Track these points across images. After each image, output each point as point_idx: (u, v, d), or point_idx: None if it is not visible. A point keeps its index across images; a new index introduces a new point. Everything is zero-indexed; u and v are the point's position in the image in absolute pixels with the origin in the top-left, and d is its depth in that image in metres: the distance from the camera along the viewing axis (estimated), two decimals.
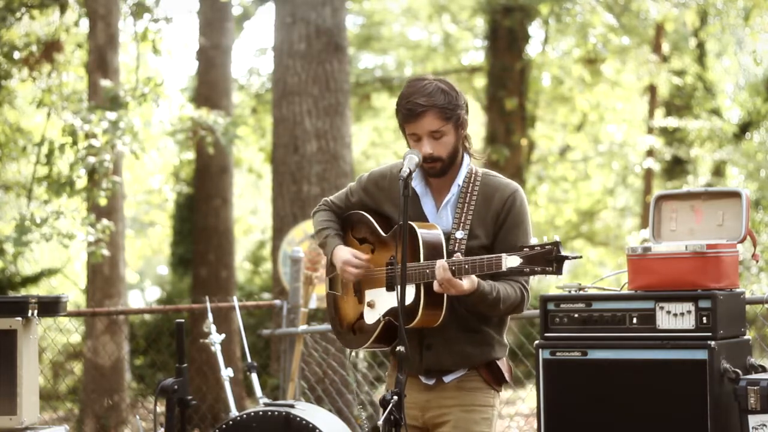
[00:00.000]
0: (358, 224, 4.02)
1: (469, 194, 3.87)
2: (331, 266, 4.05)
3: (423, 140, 3.81)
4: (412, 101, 3.81)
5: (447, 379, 3.89)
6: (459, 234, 3.81)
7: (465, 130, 3.89)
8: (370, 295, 3.91)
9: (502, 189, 3.88)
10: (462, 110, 3.84)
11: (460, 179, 3.89)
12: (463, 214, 3.84)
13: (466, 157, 3.93)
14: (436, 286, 3.67)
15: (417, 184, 3.92)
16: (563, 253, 3.49)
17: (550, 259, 3.49)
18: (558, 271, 3.49)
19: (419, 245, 3.74)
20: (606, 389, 3.94)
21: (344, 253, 3.94)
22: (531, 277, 3.84)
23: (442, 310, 3.74)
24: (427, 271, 3.68)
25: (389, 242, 3.87)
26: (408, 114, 3.82)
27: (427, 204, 3.92)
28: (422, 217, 3.89)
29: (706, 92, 18.64)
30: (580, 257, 3.68)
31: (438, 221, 3.88)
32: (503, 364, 3.94)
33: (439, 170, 3.85)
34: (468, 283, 3.65)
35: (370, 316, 3.89)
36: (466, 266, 3.63)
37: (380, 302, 3.86)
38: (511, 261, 3.54)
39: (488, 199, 3.86)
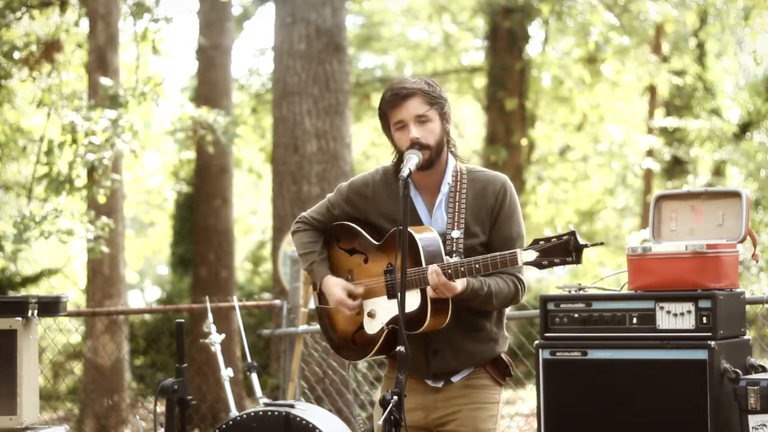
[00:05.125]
0: (345, 235, 3.96)
1: (458, 192, 3.84)
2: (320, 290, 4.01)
3: (409, 126, 3.77)
4: (396, 88, 3.81)
5: (455, 379, 3.89)
6: (455, 233, 3.79)
7: (449, 125, 3.87)
8: (369, 305, 3.86)
9: (492, 182, 3.87)
10: (446, 103, 3.84)
11: (448, 178, 3.87)
12: (456, 213, 3.82)
13: (451, 157, 3.90)
14: (430, 292, 3.65)
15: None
16: (581, 241, 3.49)
17: (568, 249, 3.48)
18: (578, 260, 3.48)
19: (419, 249, 3.71)
20: (606, 389, 3.94)
21: (338, 291, 3.87)
22: (525, 274, 3.85)
23: (448, 312, 3.73)
24: (426, 275, 3.67)
25: (385, 249, 3.83)
26: (393, 99, 3.79)
27: (420, 206, 3.89)
28: (417, 220, 3.86)
29: (706, 92, 18.63)
30: (602, 244, 3.69)
31: (433, 223, 3.85)
32: (505, 357, 3.95)
33: (426, 161, 3.78)
34: (460, 284, 3.66)
35: (372, 326, 3.84)
36: (462, 268, 3.62)
37: (381, 311, 3.82)
38: (527, 255, 3.53)
39: (480, 194, 3.84)
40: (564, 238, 3.49)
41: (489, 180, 3.88)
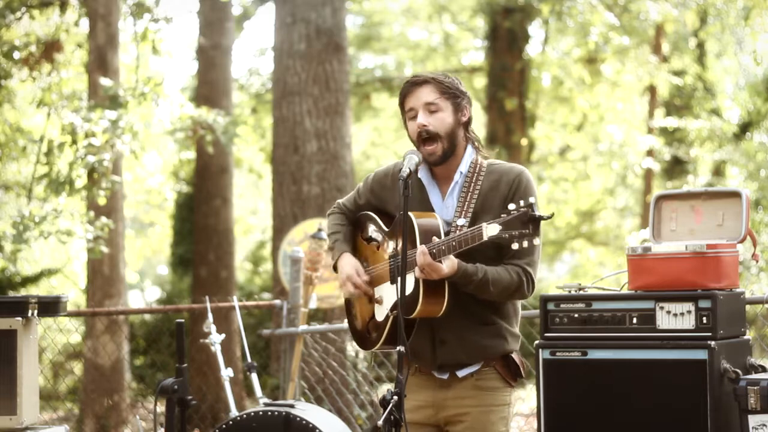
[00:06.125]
0: (365, 224, 4.04)
1: (473, 183, 3.86)
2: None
3: (419, 114, 3.83)
4: (411, 77, 3.90)
5: (461, 373, 3.87)
6: (460, 221, 3.80)
7: (465, 118, 3.90)
8: (378, 291, 3.91)
9: (507, 173, 3.88)
10: (462, 97, 3.87)
11: (463, 167, 3.89)
12: (466, 202, 3.83)
13: (470, 148, 3.93)
14: (417, 273, 3.66)
15: (423, 174, 3.91)
16: (537, 213, 3.47)
17: (525, 221, 3.47)
18: (534, 232, 3.47)
19: (415, 233, 3.73)
20: (606, 389, 3.94)
21: (348, 268, 3.94)
22: (536, 262, 3.83)
23: (444, 299, 3.72)
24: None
25: (391, 236, 3.88)
26: (406, 87, 3.87)
27: (434, 194, 3.92)
28: (429, 208, 3.89)
29: (706, 92, 18.63)
30: (552, 216, 3.63)
31: (444, 211, 3.87)
32: (517, 357, 3.94)
33: (440, 156, 3.83)
34: (447, 265, 3.65)
35: (380, 313, 3.88)
36: (443, 247, 3.63)
37: (387, 297, 3.86)
38: (491, 229, 3.52)
39: (495, 185, 3.86)
40: (522, 209, 3.49)
41: (505, 171, 3.89)
